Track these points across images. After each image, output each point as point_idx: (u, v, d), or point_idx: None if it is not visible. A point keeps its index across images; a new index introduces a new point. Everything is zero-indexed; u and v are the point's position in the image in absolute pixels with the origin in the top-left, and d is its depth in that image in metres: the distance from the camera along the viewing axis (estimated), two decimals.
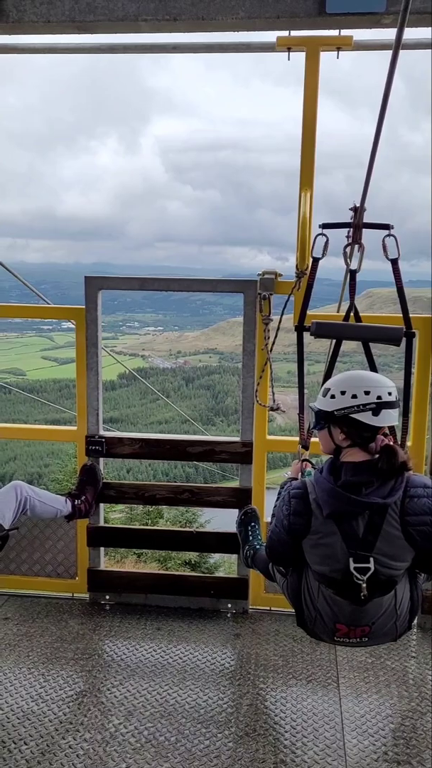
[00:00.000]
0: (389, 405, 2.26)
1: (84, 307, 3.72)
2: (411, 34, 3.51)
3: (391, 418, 2.28)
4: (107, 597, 3.90)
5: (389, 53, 2.43)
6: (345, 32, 3.40)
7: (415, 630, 3.62)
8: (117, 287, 3.85)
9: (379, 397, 2.24)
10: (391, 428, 2.50)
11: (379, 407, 2.24)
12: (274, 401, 3.66)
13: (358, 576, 2.19)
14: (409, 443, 3.35)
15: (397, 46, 2.45)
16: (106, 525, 4.09)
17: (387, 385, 2.30)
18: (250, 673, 3.24)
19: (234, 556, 3.91)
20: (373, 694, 3.06)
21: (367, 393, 2.25)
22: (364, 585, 2.19)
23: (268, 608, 3.82)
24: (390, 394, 2.27)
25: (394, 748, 2.71)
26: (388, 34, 3.40)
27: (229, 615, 3.78)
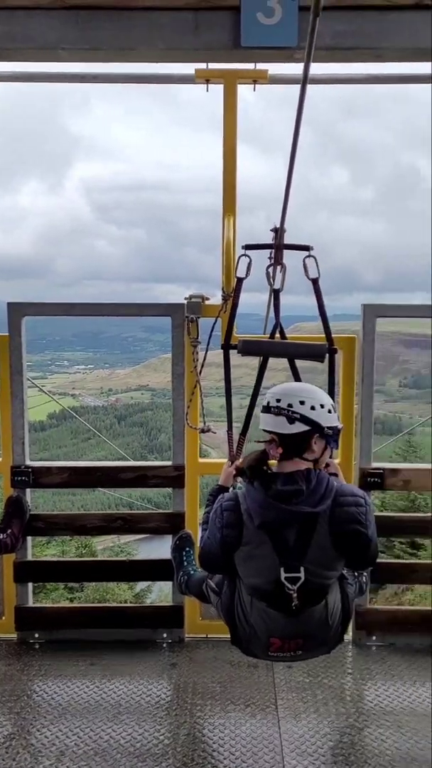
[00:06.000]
0: (264, 409, 2.32)
1: (7, 334, 3.64)
2: (323, 69, 3.71)
3: (265, 422, 2.31)
4: (37, 635, 3.74)
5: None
6: (261, 66, 3.55)
7: (350, 646, 3.63)
8: (42, 313, 3.79)
9: (289, 405, 2.27)
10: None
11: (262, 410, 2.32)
12: (204, 423, 3.66)
13: (289, 586, 2.18)
14: (337, 460, 3.40)
15: (305, 79, 2.57)
16: (35, 559, 3.94)
17: (273, 392, 2.34)
18: (187, 703, 3.15)
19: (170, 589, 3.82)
20: (311, 713, 3.04)
21: (278, 400, 2.30)
22: (295, 595, 2.19)
23: (205, 635, 3.75)
24: (274, 401, 2.30)
25: (333, 766, 2.68)
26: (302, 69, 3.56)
27: (164, 645, 3.69)
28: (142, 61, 3.45)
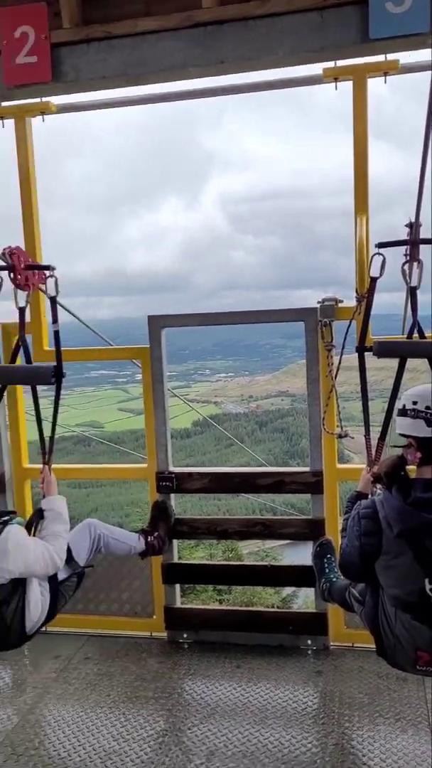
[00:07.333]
0: (400, 413, 2.23)
1: (148, 346, 3.80)
2: None
3: (402, 426, 2.22)
4: (185, 635, 3.86)
5: None
6: (390, 57, 3.43)
7: None
8: (179, 324, 3.92)
9: (427, 408, 2.16)
10: None
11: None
12: (341, 428, 3.59)
13: None
14: None
15: None
16: (181, 561, 4.07)
17: (408, 394, 2.24)
18: (334, 712, 3.10)
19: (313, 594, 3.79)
20: None
21: (414, 403, 2.18)
22: None
23: (351, 644, 3.66)
24: (411, 403, 2.19)
25: None
26: None
27: (309, 652, 3.65)
28: (268, 68, 3.46)
